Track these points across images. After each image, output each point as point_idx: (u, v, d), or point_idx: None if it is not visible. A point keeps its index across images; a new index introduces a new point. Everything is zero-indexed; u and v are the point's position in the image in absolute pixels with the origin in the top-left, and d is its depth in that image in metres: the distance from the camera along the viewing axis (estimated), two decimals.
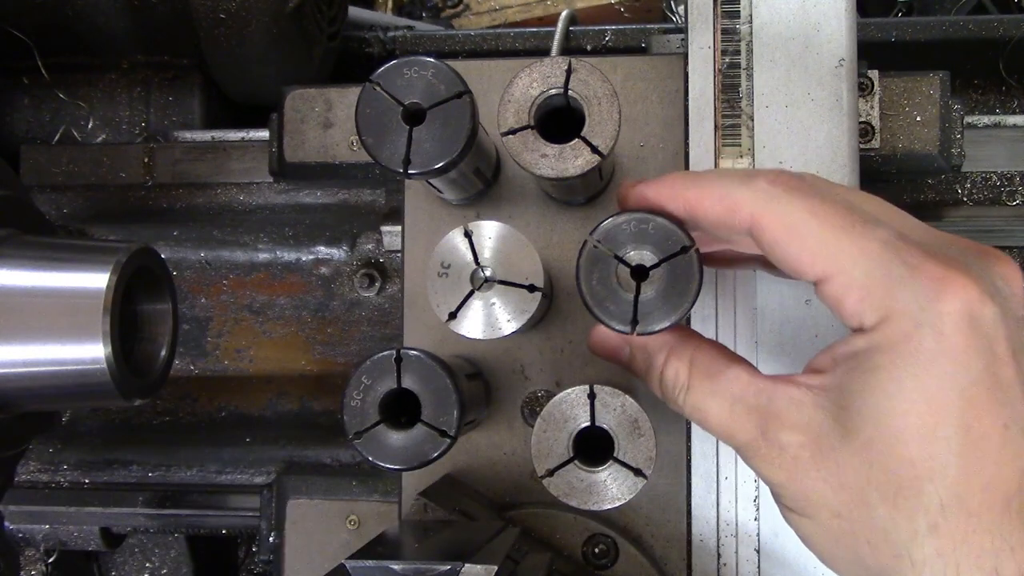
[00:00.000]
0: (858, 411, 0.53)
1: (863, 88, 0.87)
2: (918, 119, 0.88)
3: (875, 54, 0.90)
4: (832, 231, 0.53)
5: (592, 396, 0.68)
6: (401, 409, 0.68)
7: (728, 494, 0.77)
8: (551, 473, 0.68)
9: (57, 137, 1.16)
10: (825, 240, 0.53)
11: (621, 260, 0.57)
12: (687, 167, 0.78)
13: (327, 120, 0.94)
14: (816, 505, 0.55)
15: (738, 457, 0.70)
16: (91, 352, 0.72)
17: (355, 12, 1.33)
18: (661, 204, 0.59)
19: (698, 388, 0.60)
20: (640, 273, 0.56)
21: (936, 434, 0.50)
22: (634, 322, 0.56)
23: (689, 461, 0.78)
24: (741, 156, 0.77)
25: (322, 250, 1.11)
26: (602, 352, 0.67)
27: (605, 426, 0.67)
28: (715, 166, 0.77)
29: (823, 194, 0.55)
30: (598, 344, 0.68)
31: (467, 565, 0.58)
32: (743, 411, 0.58)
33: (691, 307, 0.56)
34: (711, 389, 0.59)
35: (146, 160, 1.11)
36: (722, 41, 0.78)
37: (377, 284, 1.09)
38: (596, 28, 1.14)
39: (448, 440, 0.66)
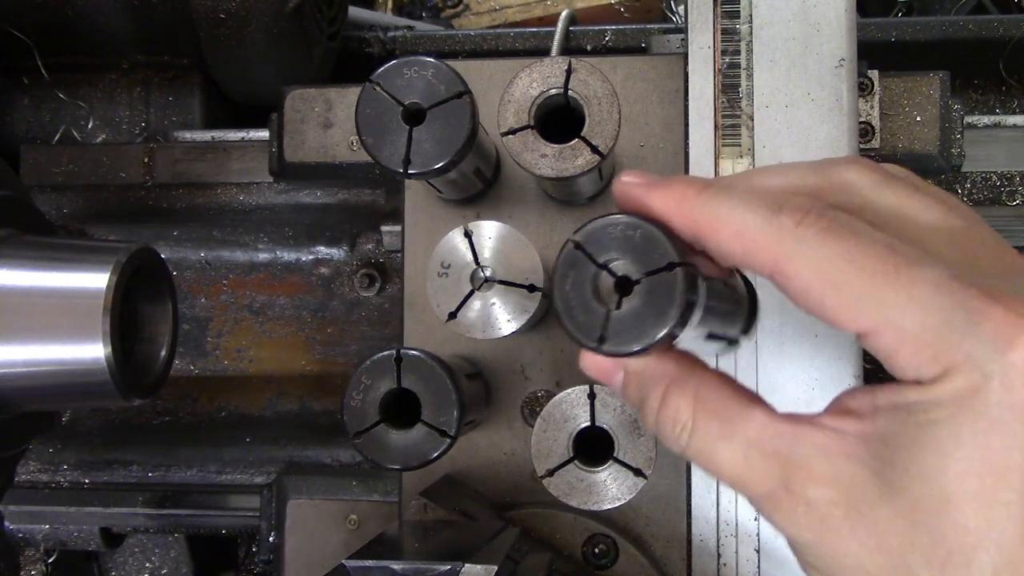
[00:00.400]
0: (905, 467, 0.47)
1: (863, 88, 0.87)
2: (918, 119, 0.88)
3: (875, 54, 0.90)
4: (873, 279, 0.46)
5: (592, 396, 0.68)
6: (401, 409, 0.68)
7: (728, 494, 0.77)
8: (551, 473, 0.68)
9: (57, 137, 1.16)
10: (866, 290, 0.46)
11: (603, 267, 0.50)
12: (687, 167, 0.78)
13: (327, 120, 0.94)
14: (849, 568, 0.49)
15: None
16: (91, 352, 0.72)
17: (355, 12, 1.33)
18: (663, 214, 0.51)
19: (704, 430, 0.52)
20: (624, 285, 0.50)
21: (996, 499, 0.46)
22: (601, 339, 0.49)
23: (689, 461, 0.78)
24: (741, 156, 0.77)
25: (322, 250, 1.11)
26: (594, 373, 0.59)
27: (605, 426, 0.67)
28: (715, 166, 0.77)
29: (859, 233, 0.48)
30: (590, 363, 0.60)
31: (467, 565, 0.58)
32: (760, 459, 0.51)
33: (668, 336, 0.48)
34: (721, 432, 0.52)
35: (146, 160, 1.11)
36: (722, 41, 0.78)
37: (377, 284, 1.09)
38: (596, 28, 1.14)
39: (448, 440, 0.67)
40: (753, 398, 0.53)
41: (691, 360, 0.55)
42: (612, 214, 0.51)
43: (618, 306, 0.49)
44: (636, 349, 0.49)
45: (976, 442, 0.46)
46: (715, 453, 0.52)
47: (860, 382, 0.76)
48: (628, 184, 0.53)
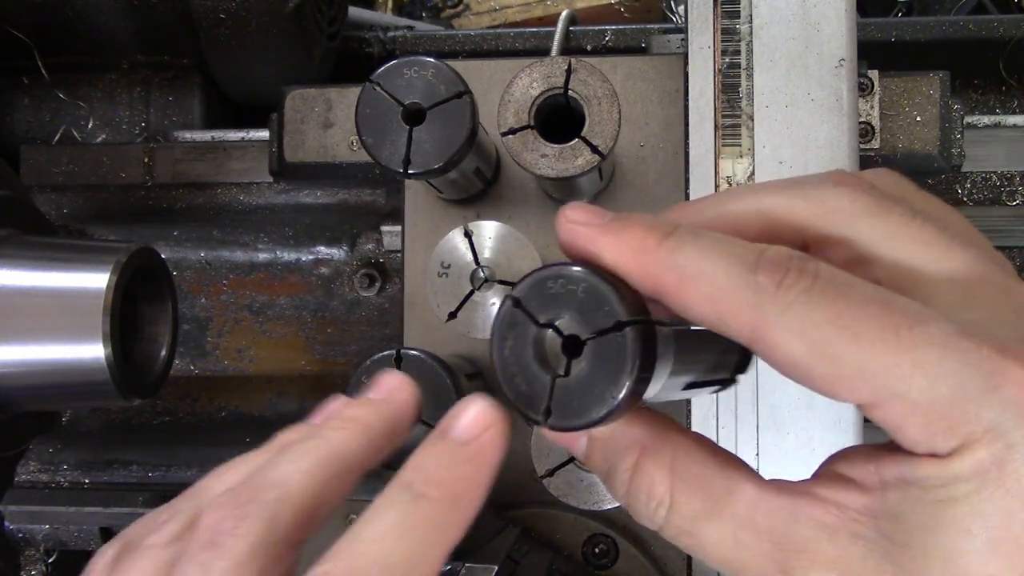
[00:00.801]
0: (923, 550, 0.42)
1: (863, 88, 0.87)
2: (918, 119, 0.88)
3: (875, 54, 0.90)
4: (872, 347, 0.40)
5: None
6: None
7: None
8: (551, 473, 0.68)
9: (57, 137, 1.16)
10: (864, 360, 0.40)
11: (548, 326, 0.43)
12: (687, 167, 0.78)
13: (327, 120, 0.94)
14: None
15: (738, 455, 0.69)
16: (91, 352, 0.72)
17: (355, 12, 1.32)
18: (616, 267, 0.43)
19: (686, 507, 0.45)
20: (572, 347, 0.42)
21: None
22: (547, 412, 0.42)
23: None
24: (741, 156, 0.77)
25: (322, 250, 1.11)
26: (553, 439, 0.51)
27: None
28: (715, 166, 0.77)
29: (850, 291, 0.41)
30: (546, 430, 0.52)
31: (467, 565, 0.58)
32: (753, 539, 0.44)
33: (622, 406, 0.41)
34: (705, 509, 0.45)
35: (146, 160, 1.11)
36: (722, 41, 0.78)
37: (377, 284, 1.09)
38: (596, 28, 1.14)
39: None
40: (738, 464, 0.47)
41: (665, 422, 0.47)
42: (552, 265, 0.43)
43: (567, 371, 0.42)
44: (586, 423, 0.42)
45: (1003, 520, 0.40)
46: (699, 534, 0.45)
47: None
48: (573, 224, 0.45)
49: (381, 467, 0.65)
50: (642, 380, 0.41)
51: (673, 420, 0.48)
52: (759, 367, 0.79)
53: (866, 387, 0.40)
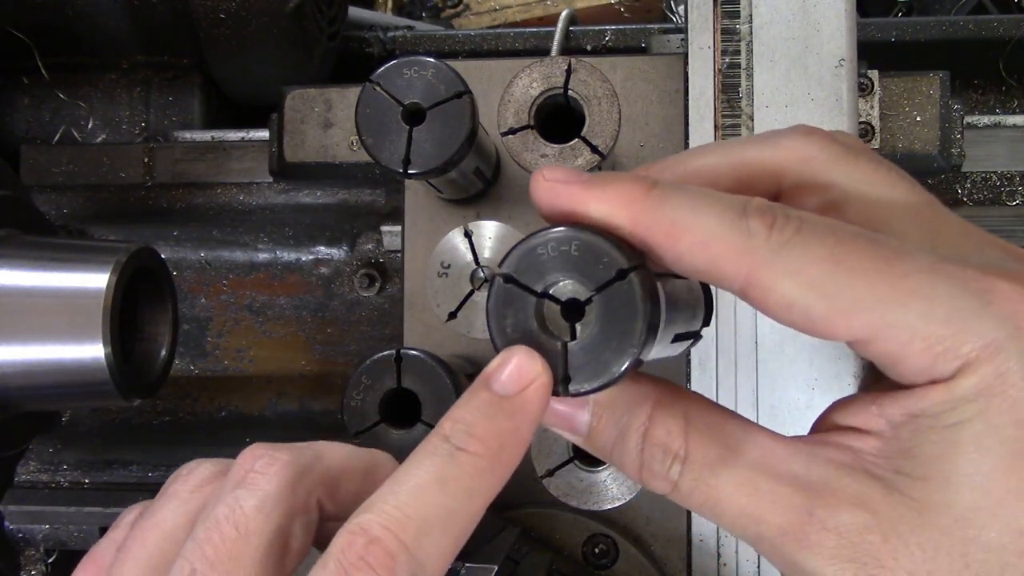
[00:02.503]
0: (945, 478, 0.41)
1: (863, 88, 0.87)
2: (918, 119, 0.88)
3: (875, 54, 0.90)
4: (865, 277, 0.40)
5: None
6: (401, 409, 0.68)
7: None
8: (551, 473, 0.68)
9: (57, 137, 1.16)
10: (860, 292, 0.40)
11: (545, 295, 0.42)
12: None
13: (327, 120, 0.94)
14: None
15: None
16: (91, 352, 0.72)
17: (355, 12, 1.32)
18: (605, 221, 0.43)
19: (702, 457, 0.44)
20: (573, 310, 0.42)
21: None
22: (566, 380, 0.42)
23: None
24: None
25: (322, 250, 1.11)
26: (554, 423, 0.49)
27: None
28: None
29: (838, 230, 0.42)
30: (547, 415, 0.48)
31: (467, 565, 0.58)
32: (771, 484, 0.42)
33: (641, 350, 0.40)
34: (721, 457, 0.43)
35: (146, 160, 1.11)
36: (722, 41, 0.78)
37: (377, 284, 1.09)
38: (596, 28, 1.14)
39: None
40: (747, 420, 0.46)
41: (670, 383, 0.47)
42: (536, 233, 0.42)
43: (573, 336, 0.42)
44: (609, 380, 0.41)
45: (1015, 431, 0.40)
46: (716, 485, 0.43)
47: (859, 381, 0.76)
48: (553, 184, 0.44)
49: None
50: (655, 322, 0.41)
51: (679, 385, 0.47)
52: (757, 369, 0.79)
53: (864, 320, 0.40)
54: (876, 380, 0.46)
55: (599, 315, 0.41)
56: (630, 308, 0.40)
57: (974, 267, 0.42)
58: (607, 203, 0.42)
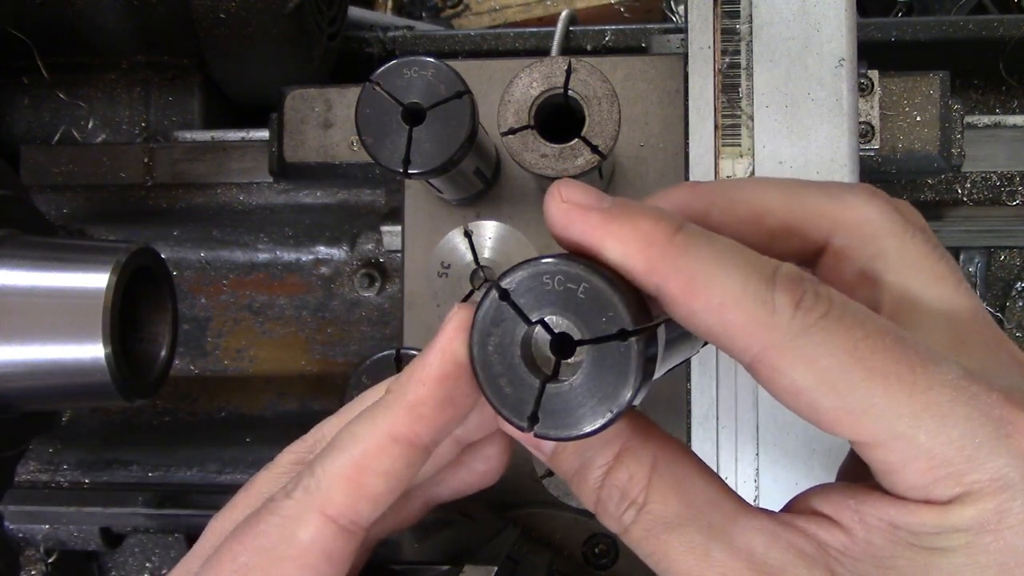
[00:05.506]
0: None
1: (863, 88, 0.87)
2: (918, 119, 0.88)
3: (875, 54, 0.90)
4: (884, 382, 0.37)
5: None
6: None
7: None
8: (551, 473, 0.68)
9: (57, 137, 1.16)
10: (875, 395, 0.37)
11: (537, 324, 0.39)
12: (687, 167, 0.78)
13: (327, 120, 0.94)
14: None
15: (739, 455, 0.68)
16: (91, 352, 0.72)
17: (355, 12, 1.33)
18: (619, 261, 0.39)
19: (660, 508, 0.41)
20: (563, 346, 0.39)
21: None
22: (533, 418, 0.39)
23: None
24: (741, 156, 0.77)
25: (322, 250, 1.11)
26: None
27: None
28: (715, 166, 0.77)
29: (866, 322, 0.38)
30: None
31: (467, 565, 0.58)
32: (725, 556, 0.40)
33: (616, 418, 0.38)
34: (679, 515, 0.41)
35: (146, 160, 1.11)
36: (722, 41, 0.78)
37: (377, 284, 1.09)
38: (596, 28, 1.14)
39: None
40: (719, 480, 0.43)
41: (646, 422, 0.44)
42: (546, 257, 0.39)
43: (555, 372, 0.39)
44: (576, 435, 0.38)
45: (1001, 572, 0.38)
46: (668, 541, 0.41)
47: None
48: (569, 208, 0.40)
49: None
50: (642, 390, 0.38)
51: (654, 423, 0.45)
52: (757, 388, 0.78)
53: (871, 425, 0.38)
54: (857, 469, 0.43)
55: (587, 365, 0.38)
56: (621, 373, 0.38)
57: (1000, 391, 0.39)
58: (624, 244, 0.39)
